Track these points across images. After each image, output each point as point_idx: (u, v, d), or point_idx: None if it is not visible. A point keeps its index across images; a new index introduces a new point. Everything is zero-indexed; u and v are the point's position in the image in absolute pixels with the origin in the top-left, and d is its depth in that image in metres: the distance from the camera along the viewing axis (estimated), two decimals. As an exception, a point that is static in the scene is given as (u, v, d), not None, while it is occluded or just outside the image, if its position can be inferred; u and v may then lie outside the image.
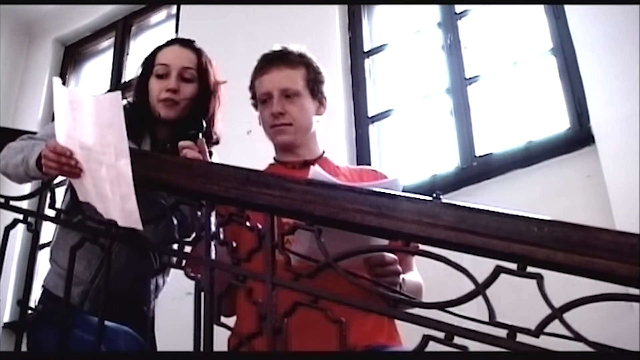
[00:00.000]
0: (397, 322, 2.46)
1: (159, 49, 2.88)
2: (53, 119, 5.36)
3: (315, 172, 2.06)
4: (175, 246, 2.32)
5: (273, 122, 2.66)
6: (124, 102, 2.86)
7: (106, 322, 2.29)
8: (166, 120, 2.76)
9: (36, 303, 2.70)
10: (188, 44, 2.89)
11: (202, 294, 1.98)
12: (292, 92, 2.68)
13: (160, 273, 2.77)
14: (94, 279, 2.60)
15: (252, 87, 2.78)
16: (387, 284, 2.22)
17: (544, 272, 1.51)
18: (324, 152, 2.76)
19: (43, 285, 2.75)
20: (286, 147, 2.70)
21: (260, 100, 2.72)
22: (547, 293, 1.48)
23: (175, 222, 2.59)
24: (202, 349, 1.94)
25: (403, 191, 1.99)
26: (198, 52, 2.86)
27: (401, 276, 2.29)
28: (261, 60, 2.76)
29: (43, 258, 2.90)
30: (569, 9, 4.07)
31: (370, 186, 2.09)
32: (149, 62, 2.84)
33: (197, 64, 2.83)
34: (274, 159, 2.76)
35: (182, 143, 2.57)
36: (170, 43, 2.90)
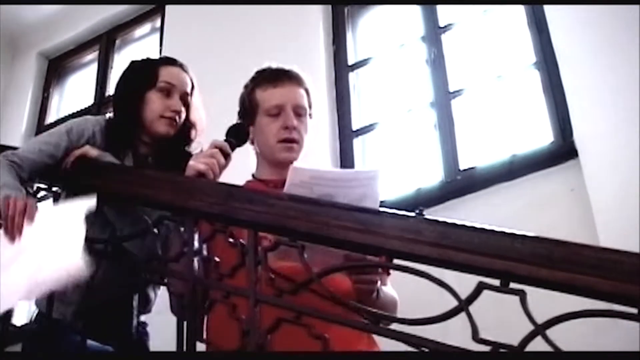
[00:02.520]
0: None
1: (159, 64, 2.88)
2: (36, 134, 5.36)
3: (295, 169, 2.08)
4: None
5: (284, 136, 2.58)
6: (105, 117, 2.87)
7: (91, 343, 2.31)
8: (160, 137, 2.77)
9: (31, 321, 2.71)
10: (186, 69, 2.91)
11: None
12: (303, 110, 2.65)
13: (141, 289, 2.75)
14: (84, 298, 2.58)
15: (250, 98, 2.69)
16: (366, 289, 2.24)
17: (528, 287, 1.52)
18: None
19: (36, 306, 2.75)
20: (284, 165, 2.62)
21: (267, 112, 2.63)
22: (530, 309, 1.49)
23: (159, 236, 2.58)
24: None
25: (386, 206, 1.99)
26: (192, 81, 2.89)
27: (379, 283, 2.29)
28: (269, 73, 2.71)
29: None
30: (552, 23, 4.09)
31: (351, 174, 2.11)
32: (149, 75, 2.83)
33: (191, 93, 2.87)
34: (253, 176, 2.69)
35: (217, 143, 2.46)
36: (172, 62, 2.90)
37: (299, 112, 2.63)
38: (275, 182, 2.54)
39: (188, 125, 2.85)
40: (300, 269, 1.84)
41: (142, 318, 2.83)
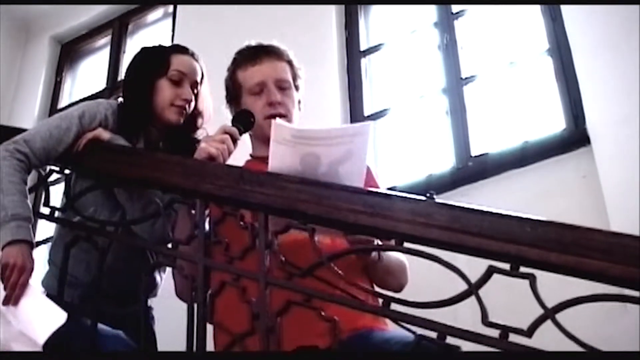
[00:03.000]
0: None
1: (170, 52, 2.88)
2: (50, 115, 5.37)
3: (277, 125, 2.07)
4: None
5: (270, 113, 2.57)
6: (118, 100, 2.86)
7: (103, 327, 2.33)
8: (169, 124, 2.77)
9: None
10: (197, 58, 2.90)
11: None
12: (286, 83, 2.65)
13: (152, 271, 2.76)
14: (94, 281, 2.58)
15: (233, 80, 2.72)
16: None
17: (539, 272, 1.51)
18: None
19: (44, 287, 2.75)
20: None
21: (251, 91, 2.64)
22: (540, 293, 1.49)
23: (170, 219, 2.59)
24: (194, 347, 1.94)
25: (397, 191, 1.99)
26: (202, 70, 2.89)
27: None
28: (248, 51, 2.72)
29: (38, 256, 2.89)
30: (565, 10, 4.07)
31: (334, 132, 2.09)
32: (161, 62, 2.83)
33: (200, 82, 2.87)
34: (251, 155, 2.71)
35: (227, 128, 2.46)
36: (183, 51, 2.90)
37: (282, 86, 2.64)
38: None
39: (195, 113, 2.86)
40: (304, 240, 1.85)
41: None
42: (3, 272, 2.35)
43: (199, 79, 2.86)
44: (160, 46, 2.96)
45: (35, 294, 2.38)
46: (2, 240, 2.38)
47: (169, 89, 2.77)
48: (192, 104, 2.82)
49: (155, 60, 2.85)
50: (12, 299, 2.34)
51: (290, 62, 2.72)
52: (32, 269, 2.38)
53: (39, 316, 2.30)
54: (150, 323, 2.82)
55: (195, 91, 2.83)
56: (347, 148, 2.06)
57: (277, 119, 2.25)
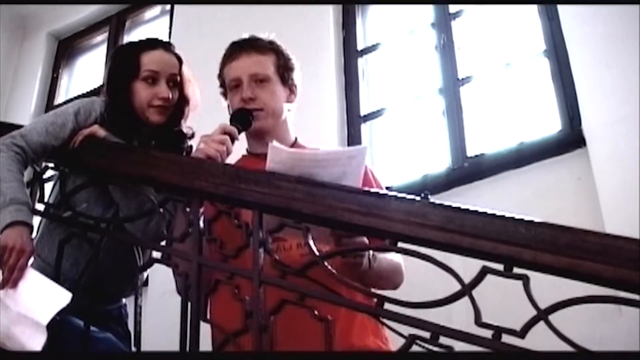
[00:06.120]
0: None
1: (141, 50, 2.81)
2: (46, 111, 5.36)
3: (274, 148, 2.08)
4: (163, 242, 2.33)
5: (243, 108, 2.57)
6: (101, 98, 2.84)
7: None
8: (153, 124, 2.75)
9: None
10: (171, 48, 2.85)
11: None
12: (262, 76, 2.60)
13: (147, 269, 2.76)
14: (81, 277, 2.58)
15: (220, 76, 2.71)
16: (353, 262, 2.21)
17: (533, 273, 1.52)
18: (296, 138, 2.70)
19: None
20: (257, 134, 2.61)
21: (229, 87, 2.64)
22: (533, 294, 1.49)
23: (165, 218, 2.58)
24: (188, 345, 1.94)
25: (393, 190, 1.99)
26: (179, 58, 2.84)
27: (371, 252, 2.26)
28: (229, 48, 2.70)
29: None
30: (562, 11, 4.08)
31: (330, 155, 2.12)
32: (132, 64, 2.77)
33: (179, 71, 2.82)
34: (247, 150, 2.69)
35: (227, 128, 2.46)
36: (154, 46, 2.84)
37: (259, 79, 2.60)
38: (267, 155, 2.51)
39: (181, 100, 2.82)
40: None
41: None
42: (2, 254, 2.32)
43: (175, 70, 2.80)
44: (130, 45, 2.91)
45: (34, 277, 2.35)
46: (2, 223, 2.36)
47: (144, 90, 2.73)
48: (175, 97, 2.77)
49: (126, 64, 2.80)
50: (11, 281, 2.32)
51: (277, 52, 2.68)
52: (31, 252, 2.36)
53: (40, 298, 2.28)
54: (125, 321, 2.81)
55: (175, 83, 2.78)
56: (342, 170, 2.08)
57: (274, 141, 2.24)
